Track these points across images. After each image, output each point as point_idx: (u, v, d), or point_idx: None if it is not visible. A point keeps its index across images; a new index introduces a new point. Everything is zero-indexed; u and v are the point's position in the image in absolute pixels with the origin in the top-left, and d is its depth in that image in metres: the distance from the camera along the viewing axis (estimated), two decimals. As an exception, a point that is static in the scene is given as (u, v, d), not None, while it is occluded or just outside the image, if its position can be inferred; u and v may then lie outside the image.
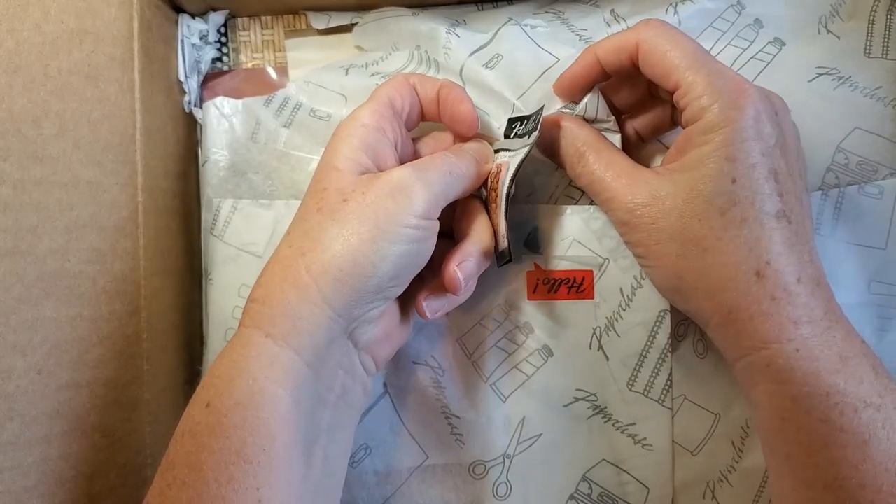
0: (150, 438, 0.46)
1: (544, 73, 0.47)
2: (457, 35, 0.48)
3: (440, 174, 0.38)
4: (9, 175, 0.38)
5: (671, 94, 0.38)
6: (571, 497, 0.46)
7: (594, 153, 0.40)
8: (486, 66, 0.47)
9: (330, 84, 0.50)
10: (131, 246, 0.45)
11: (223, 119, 0.50)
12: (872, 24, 0.46)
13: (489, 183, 0.42)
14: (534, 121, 0.41)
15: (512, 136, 0.43)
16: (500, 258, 0.41)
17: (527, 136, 0.41)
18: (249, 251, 0.48)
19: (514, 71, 0.47)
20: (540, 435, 0.46)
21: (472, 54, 0.48)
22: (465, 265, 0.39)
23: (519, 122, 0.43)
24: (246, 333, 0.35)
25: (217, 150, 0.50)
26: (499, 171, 0.41)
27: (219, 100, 0.50)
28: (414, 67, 0.50)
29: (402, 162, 0.40)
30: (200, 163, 0.51)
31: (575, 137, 0.41)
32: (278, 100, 0.50)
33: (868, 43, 0.46)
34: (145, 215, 0.46)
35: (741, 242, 0.35)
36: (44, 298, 0.40)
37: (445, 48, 0.48)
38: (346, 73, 0.51)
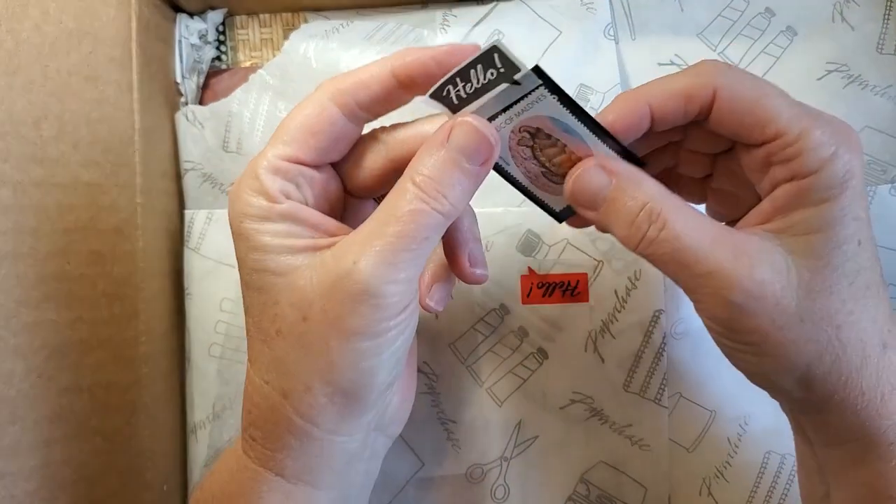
0: (149, 441, 0.46)
1: (548, 48, 0.47)
2: (454, 15, 0.49)
3: (408, 242, 0.30)
4: (9, 177, 0.38)
5: (749, 145, 0.31)
6: (569, 499, 0.47)
7: (674, 212, 0.30)
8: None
9: (297, 76, 0.50)
10: (130, 248, 0.45)
11: (194, 127, 0.50)
12: (888, 17, 0.46)
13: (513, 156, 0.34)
14: (500, 66, 0.30)
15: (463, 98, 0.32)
16: (560, 214, 0.36)
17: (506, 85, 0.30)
18: (228, 263, 0.48)
19: (515, 52, 0.47)
20: (537, 437, 0.46)
21: (473, 27, 0.48)
22: (474, 251, 0.36)
23: (463, 80, 0.31)
24: (253, 468, 0.32)
25: (191, 162, 0.50)
26: (519, 133, 0.33)
27: (188, 108, 0.50)
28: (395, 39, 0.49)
29: (354, 187, 0.35)
30: (181, 174, 0.51)
31: (637, 190, 0.31)
32: (243, 98, 0.50)
33: (882, 37, 0.46)
34: (144, 217, 0.46)
35: (868, 313, 0.30)
36: (44, 301, 0.40)
37: (443, 25, 0.49)
38: (314, 63, 0.50)
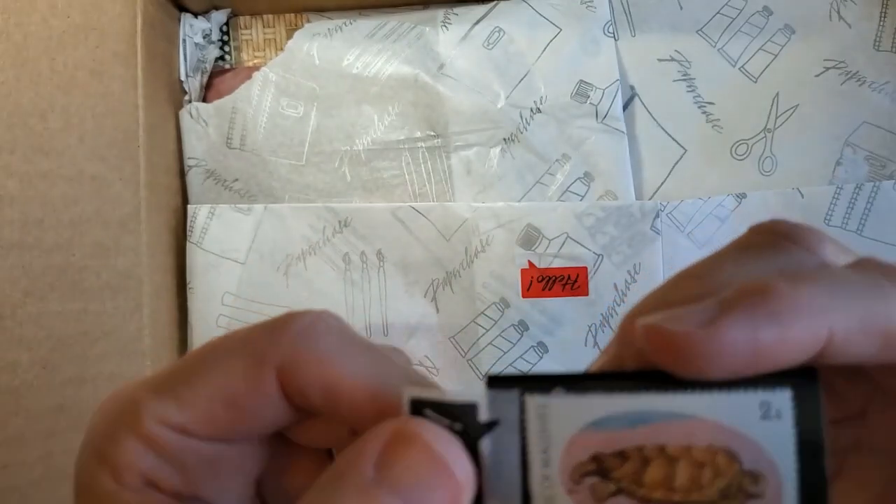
0: (151, 434, 0.46)
1: (548, 45, 0.48)
2: (455, 14, 0.50)
3: None
4: (16, 168, 0.38)
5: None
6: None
7: None
8: (486, 46, 0.48)
9: (300, 73, 0.50)
10: (134, 242, 0.46)
11: (198, 124, 0.50)
12: (885, 15, 0.47)
13: None
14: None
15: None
16: None
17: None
18: (230, 258, 0.48)
19: (515, 50, 0.48)
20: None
21: (473, 26, 0.49)
22: None
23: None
24: None
25: (195, 158, 0.51)
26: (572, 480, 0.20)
27: (192, 105, 0.51)
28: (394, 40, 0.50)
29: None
30: (185, 171, 0.52)
31: None
32: (247, 95, 0.50)
33: (878, 34, 0.47)
34: (148, 212, 0.47)
35: None
36: (49, 292, 0.40)
37: (444, 24, 0.49)
38: (317, 60, 0.51)
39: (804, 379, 0.18)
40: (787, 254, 0.20)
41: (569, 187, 0.47)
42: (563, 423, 0.18)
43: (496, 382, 0.19)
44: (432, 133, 0.49)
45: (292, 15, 0.54)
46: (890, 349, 0.18)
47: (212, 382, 0.20)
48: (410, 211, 0.48)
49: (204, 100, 0.53)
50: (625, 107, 0.48)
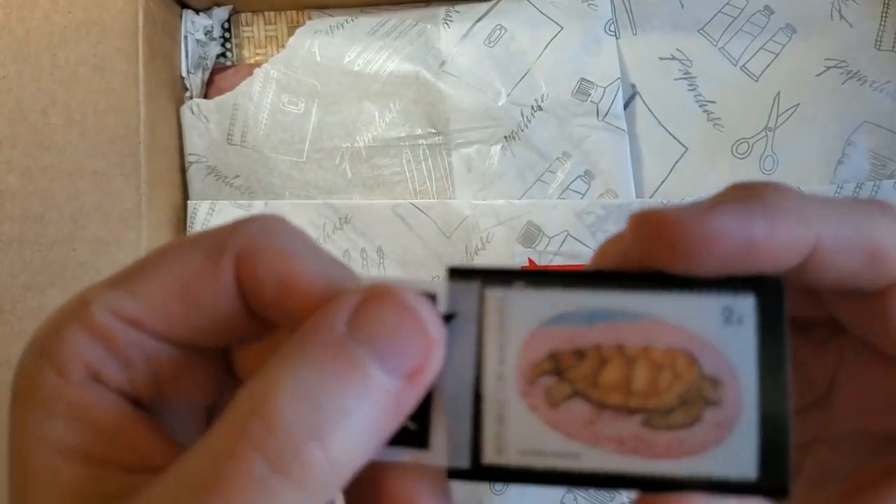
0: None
1: (549, 43, 0.48)
2: (457, 11, 0.50)
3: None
4: (17, 163, 0.38)
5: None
6: (569, 491, 0.47)
7: None
8: (487, 43, 0.48)
9: (301, 70, 0.51)
10: (135, 237, 0.46)
11: (199, 121, 0.51)
12: (886, 14, 0.47)
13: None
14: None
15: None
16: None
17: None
18: None
19: (517, 47, 0.48)
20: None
21: (475, 23, 0.49)
22: None
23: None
24: None
25: (196, 154, 0.51)
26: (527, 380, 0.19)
27: (193, 102, 0.51)
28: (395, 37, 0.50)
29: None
30: (186, 167, 0.52)
31: None
32: (248, 92, 0.50)
33: (880, 34, 0.47)
34: (148, 207, 0.47)
35: None
36: (49, 287, 0.40)
37: (446, 21, 0.50)
38: (318, 57, 0.51)
39: (769, 286, 0.18)
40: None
41: (569, 185, 0.47)
42: (522, 317, 0.18)
43: (457, 274, 0.18)
44: (433, 130, 0.49)
45: (294, 12, 0.54)
46: (875, 266, 0.18)
47: (168, 272, 0.19)
48: (411, 208, 0.48)
49: (205, 96, 0.53)
50: (626, 105, 0.48)
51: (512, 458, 0.18)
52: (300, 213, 0.48)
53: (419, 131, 0.49)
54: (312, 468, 0.15)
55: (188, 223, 0.50)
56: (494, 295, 0.18)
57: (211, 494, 0.15)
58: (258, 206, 0.49)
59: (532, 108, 0.48)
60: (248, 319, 0.20)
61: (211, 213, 0.49)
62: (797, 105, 0.47)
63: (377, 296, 0.17)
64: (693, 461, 0.17)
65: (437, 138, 0.49)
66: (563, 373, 0.18)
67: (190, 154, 0.51)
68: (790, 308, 0.18)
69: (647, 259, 0.18)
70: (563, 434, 0.18)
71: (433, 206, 0.48)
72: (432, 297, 0.18)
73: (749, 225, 0.17)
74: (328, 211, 0.48)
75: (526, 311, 0.18)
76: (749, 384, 0.17)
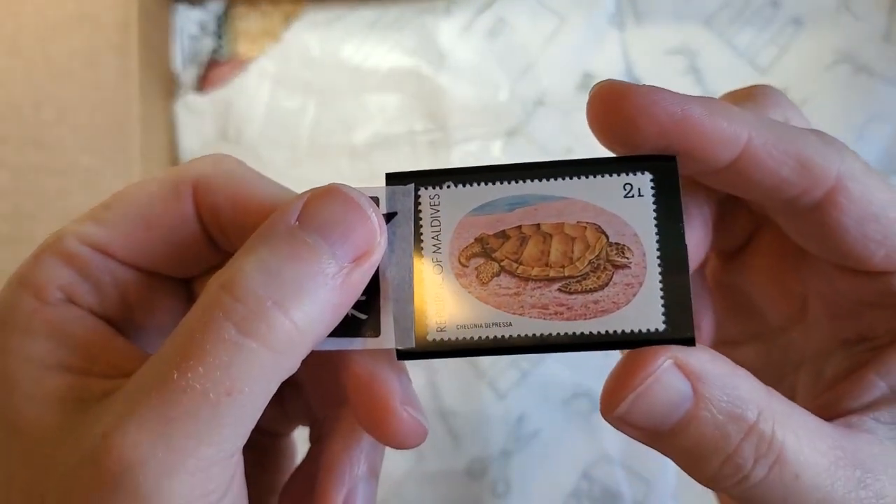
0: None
1: (552, 36, 0.47)
2: (457, 3, 0.49)
3: (208, 404, 0.17)
4: (8, 160, 0.38)
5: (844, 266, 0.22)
6: (572, 494, 0.46)
7: (788, 430, 0.20)
8: (488, 37, 0.48)
9: (298, 65, 0.50)
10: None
11: (193, 117, 0.50)
12: (894, 8, 0.46)
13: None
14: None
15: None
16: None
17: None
18: None
19: (518, 41, 0.48)
20: (539, 431, 0.46)
21: (477, 16, 0.49)
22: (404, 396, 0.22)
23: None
24: None
25: (191, 151, 0.50)
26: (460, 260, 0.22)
27: (188, 97, 0.50)
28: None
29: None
30: (180, 164, 0.51)
31: (737, 402, 0.19)
32: (243, 87, 0.50)
33: (888, 27, 0.46)
34: (143, 205, 0.46)
35: None
36: (41, 287, 0.39)
37: (447, 13, 0.49)
38: (314, 50, 0.50)
39: (664, 163, 0.20)
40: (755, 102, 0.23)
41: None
42: (452, 210, 0.21)
43: (393, 178, 0.21)
44: (433, 126, 0.48)
45: (290, 5, 0.53)
46: (805, 175, 0.20)
47: (132, 203, 0.21)
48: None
49: (200, 91, 0.52)
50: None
51: (452, 334, 0.20)
52: (297, 210, 0.48)
53: (419, 127, 0.48)
54: (277, 330, 0.18)
55: None
56: (427, 193, 0.21)
57: (188, 360, 0.17)
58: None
59: (534, 102, 0.48)
60: (208, 248, 0.22)
61: None
62: (805, 99, 0.46)
63: (323, 193, 0.20)
64: (608, 319, 0.20)
65: (437, 134, 0.48)
66: (491, 253, 0.21)
67: (184, 150, 0.50)
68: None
69: (599, 123, 0.20)
70: (494, 306, 0.20)
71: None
72: (376, 200, 0.21)
73: (685, 103, 0.19)
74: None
75: (455, 204, 0.21)
76: (650, 246, 0.20)
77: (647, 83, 0.20)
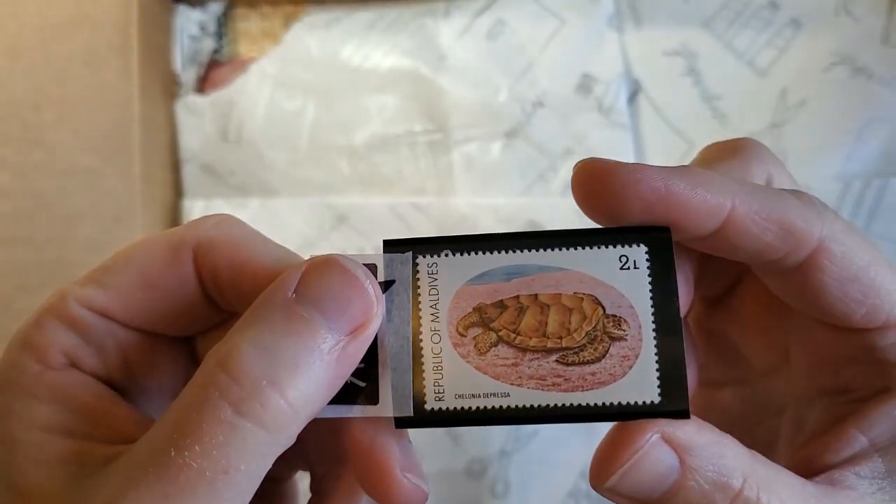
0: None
1: (551, 38, 0.47)
2: (456, 5, 0.49)
3: (203, 481, 0.17)
4: (9, 161, 0.38)
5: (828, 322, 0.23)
6: (570, 494, 0.46)
7: (774, 494, 0.20)
8: (488, 38, 0.48)
9: (298, 66, 0.50)
10: (128, 236, 0.45)
11: (193, 118, 0.50)
12: (893, 10, 0.47)
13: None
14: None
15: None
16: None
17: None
18: None
19: (518, 42, 0.48)
20: (538, 431, 0.46)
21: (476, 18, 0.49)
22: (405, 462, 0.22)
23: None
24: None
25: (190, 151, 0.50)
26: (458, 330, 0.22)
27: (188, 98, 0.50)
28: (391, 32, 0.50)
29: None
30: (181, 164, 0.51)
31: (723, 471, 0.20)
32: (243, 88, 0.50)
33: (887, 29, 0.47)
34: (142, 205, 0.46)
35: None
36: (41, 287, 0.39)
37: (446, 15, 0.49)
38: (314, 52, 0.50)
39: (659, 235, 0.21)
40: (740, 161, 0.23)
41: (571, 182, 0.47)
42: (450, 279, 0.21)
43: (391, 246, 0.21)
44: (433, 127, 0.48)
45: (290, 6, 0.53)
46: (788, 239, 0.20)
47: (133, 266, 0.21)
48: (409, 207, 0.47)
49: (200, 92, 0.52)
50: (629, 101, 0.48)
51: (450, 403, 0.21)
52: (297, 212, 0.48)
53: (418, 128, 0.48)
54: (272, 410, 0.18)
55: (182, 223, 0.49)
56: (426, 262, 0.21)
57: (185, 438, 0.17)
58: (254, 205, 0.48)
59: (533, 103, 0.48)
60: (209, 308, 0.23)
61: (206, 213, 0.49)
62: (804, 101, 0.46)
63: (320, 264, 0.20)
64: (605, 391, 0.20)
65: (436, 135, 0.48)
66: (489, 323, 0.21)
67: (184, 151, 0.50)
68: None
69: (586, 200, 0.21)
70: (492, 377, 0.21)
71: (432, 204, 0.47)
72: (373, 268, 0.21)
73: (668, 178, 0.20)
74: (325, 210, 0.48)
75: (453, 272, 0.21)
76: (646, 319, 0.20)
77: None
